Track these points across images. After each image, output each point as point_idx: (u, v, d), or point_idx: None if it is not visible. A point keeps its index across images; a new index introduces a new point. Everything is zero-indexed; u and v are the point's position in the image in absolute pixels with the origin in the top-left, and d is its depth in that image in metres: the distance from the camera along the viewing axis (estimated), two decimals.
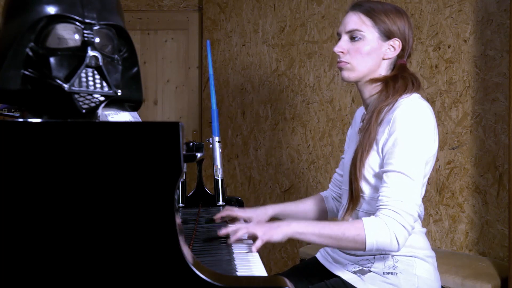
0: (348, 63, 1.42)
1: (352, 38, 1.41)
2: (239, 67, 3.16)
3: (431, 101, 2.26)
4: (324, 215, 1.72)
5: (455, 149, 2.20)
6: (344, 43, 1.42)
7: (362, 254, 1.40)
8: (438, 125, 2.22)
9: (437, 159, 2.23)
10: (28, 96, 1.01)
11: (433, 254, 1.44)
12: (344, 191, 1.51)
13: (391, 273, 1.36)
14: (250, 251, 1.27)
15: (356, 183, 1.38)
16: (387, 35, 1.40)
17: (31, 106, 1.04)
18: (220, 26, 3.28)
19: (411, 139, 1.29)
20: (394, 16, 1.40)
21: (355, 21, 1.41)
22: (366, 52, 1.40)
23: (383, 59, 1.42)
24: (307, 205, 1.71)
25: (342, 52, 1.42)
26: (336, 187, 1.71)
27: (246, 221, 1.55)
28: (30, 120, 0.86)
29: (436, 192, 2.25)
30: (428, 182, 2.28)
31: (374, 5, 1.42)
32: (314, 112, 2.77)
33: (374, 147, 1.36)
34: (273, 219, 1.55)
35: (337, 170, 1.73)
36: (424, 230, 1.45)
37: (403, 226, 1.25)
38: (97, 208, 0.85)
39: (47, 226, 0.84)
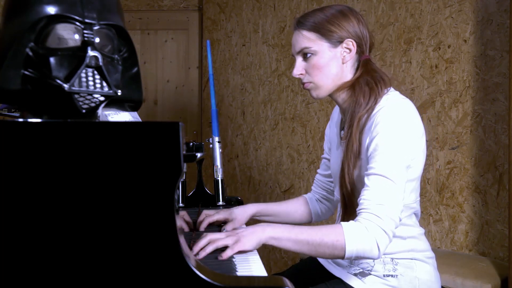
0: (310, 82, 1.40)
1: (305, 57, 1.39)
2: (239, 67, 3.16)
3: (431, 101, 2.26)
4: (308, 217, 1.68)
5: (455, 149, 2.20)
6: (299, 65, 1.41)
7: None
8: (438, 125, 2.24)
9: (436, 159, 2.23)
10: (28, 96, 1.01)
11: (433, 255, 1.44)
12: (337, 200, 1.49)
13: (392, 276, 1.36)
14: (221, 257, 1.17)
15: (349, 196, 1.35)
16: (338, 41, 1.37)
17: (31, 106, 1.04)
18: (220, 26, 3.28)
19: (392, 142, 1.25)
20: (339, 20, 1.37)
21: (301, 39, 1.39)
22: (323, 65, 1.37)
23: (343, 63, 1.39)
24: (290, 207, 1.67)
25: (301, 74, 1.41)
26: (319, 188, 1.68)
27: (224, 223, 1.51)
28: (30, 120, 0.86)
29: (436, 192, 2.25)
30: (428, 182, 2.29)
31: (315, 16, 1.38)
32: (314, 112, 2.77)
33: (360, 156, 1.33)
34: (255, 221, 1.51)
35: (318, 171, 1.69)
36: (423, 231, 1.45)
37: (385, 232, 1.18)
38: (97, 209, 0.86)
39: (47, 226, 0.84)
